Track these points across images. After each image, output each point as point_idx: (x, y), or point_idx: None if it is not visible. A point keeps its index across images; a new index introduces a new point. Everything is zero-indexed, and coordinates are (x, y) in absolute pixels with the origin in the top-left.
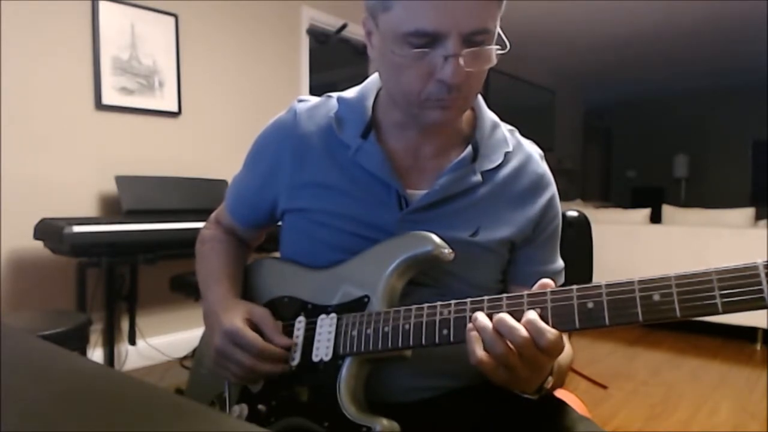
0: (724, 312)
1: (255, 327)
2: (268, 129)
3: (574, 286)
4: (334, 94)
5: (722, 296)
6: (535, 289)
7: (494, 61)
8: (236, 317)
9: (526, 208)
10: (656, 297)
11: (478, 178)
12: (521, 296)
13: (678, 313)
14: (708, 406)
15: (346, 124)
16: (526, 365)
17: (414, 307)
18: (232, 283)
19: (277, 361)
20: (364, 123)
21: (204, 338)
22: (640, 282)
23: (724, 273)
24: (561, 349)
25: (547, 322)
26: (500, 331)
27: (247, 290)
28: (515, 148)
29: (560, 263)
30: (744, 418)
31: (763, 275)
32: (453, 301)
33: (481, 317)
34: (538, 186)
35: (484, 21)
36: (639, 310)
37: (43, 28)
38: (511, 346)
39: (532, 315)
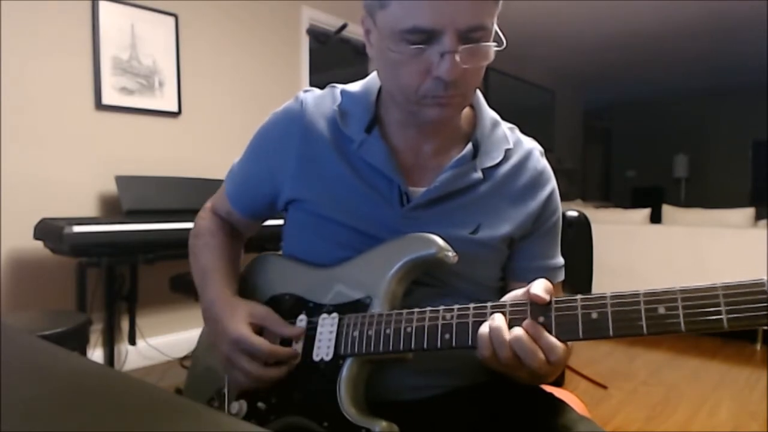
0: (729, 328)
1: (259, 327)
2: (275, 117)
3: (579, 296)
4: (338, 86)
5: (728, 312)
6: (533, 287)
7: (491, 57)
8: (240, 322)
9: (527, 203)
10: (661, 310)
11: (478, 175)
12: (524, 304)
13: (683, 327)
14: (708, 406)
15: (350, 118)
16: (531, 374)
17: (416, 310)
18: (228, 279)
19: (285, 363)
20: (368, 118)
21: (203, 334)
22: (646, 294)
23: (731, 288)
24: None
25: (550, 331)
26: (516, 351)
27: (249, 287)
28: (515, 145)
29: (560, 259)
30: (744, 418)
31: None
32: (456, 306)
33: (499, 321)
34: (538, 181)
35: (481, 18)
36: (644, 322)
37: (43, 28)
38: (524, 363)
39: (551, 339)
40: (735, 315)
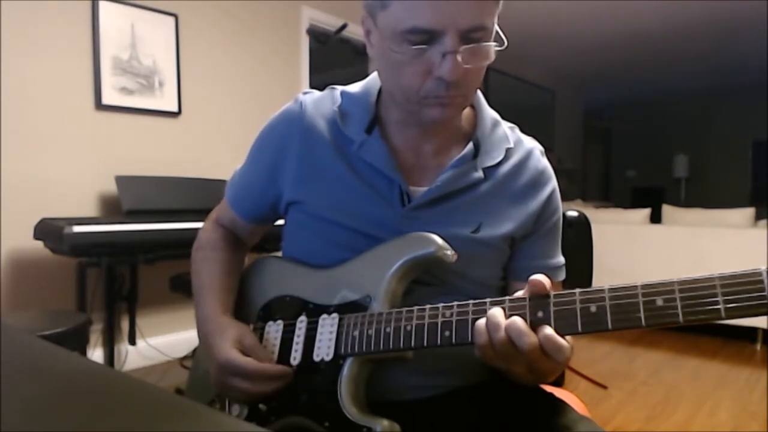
0: (728, 318)
1: (246, 354)
2: (274, 120)
3: (577, 290)
4: (338, 87)
5: (725, 302)
6: (535, 275)
7: (492, 57)
8: (227, 347)
9: (528, 203)
10: (659, 302)
11: (479, 174)
12: (523, 299)
13: (681, 318)
14: (708, 406)
15: (350, 119)
16: (528, 368)
17: (416, 308)
18: (223, 295)
19: (276, 378)
20: (368, 118)
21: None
22: (644, 286)
23: (728, 279)
24: (567, 358)
25: (549, 325)
26: (510, 334)
27: (249, 289)
28: (516, 145)
29: (561, 259)
30: (744, 418)
31: (766, 281)
32: (455, 303)
33: (497, 310)
34: (538, 181)
35: (482, 18)
36: (642, 314)
37: (43, 28)
38: (519, 349)
39: (548, 330)
40: (732, 305)
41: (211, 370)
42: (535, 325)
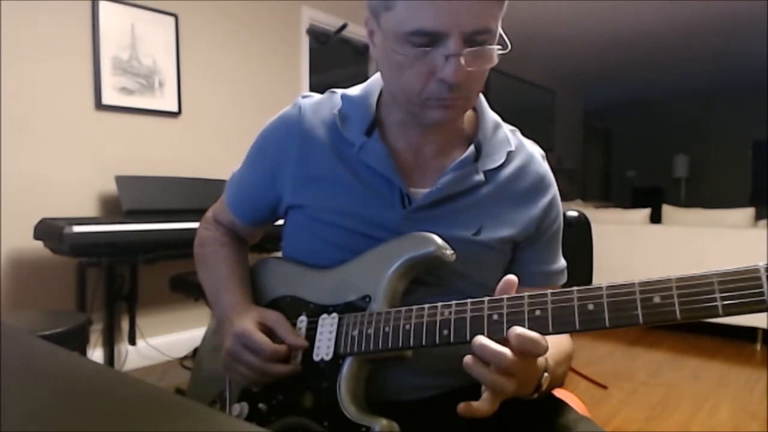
0: (725, 315)
1: (268, 330)
2: (273, 124)
3: (575, 288)
4: (338, 91)
5: (723, 299)
6: (500, 286)
7: (495, 60)
8: (247, 320)
9: (529, 207)
10: (657, 299)
11: (480, 177)
12: (522, 297)
13: (678, 316)
14: (708, 406)
15: (350, 122)
16: (514, 380)
17: (415, 307)
18: (243, 290)
19: (287, 362)
20: (368, 121)
21: (207, 338)
22: (641, 284)
23: (725, 276)
24: (543, 349)
25: (546, 323)
26: (480, 356)
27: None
28: (517, 148)
29: (562, 262)
30: (744, 418)
31: (764, 278)
32: (454, 302)
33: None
34: (539, 186)
35: (486, 21)
36: (639, 312)
37: (43, 28)
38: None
39: (518, 330)
40: (730, 301)
41: (225, 344)
42: (533, 324)
